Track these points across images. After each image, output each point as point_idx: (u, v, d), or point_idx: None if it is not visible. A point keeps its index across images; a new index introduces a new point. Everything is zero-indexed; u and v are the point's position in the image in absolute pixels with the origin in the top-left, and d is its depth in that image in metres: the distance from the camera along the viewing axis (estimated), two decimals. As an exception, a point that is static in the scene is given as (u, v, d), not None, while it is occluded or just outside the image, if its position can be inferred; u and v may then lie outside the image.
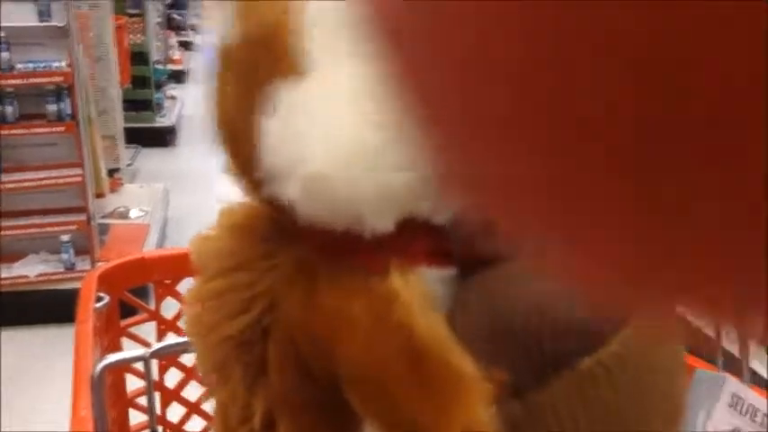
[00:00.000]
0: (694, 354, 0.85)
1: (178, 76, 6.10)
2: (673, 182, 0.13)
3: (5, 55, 2.45)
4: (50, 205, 2.64)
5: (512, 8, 0.13)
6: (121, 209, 3.27)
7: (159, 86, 5.07)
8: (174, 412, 1.05)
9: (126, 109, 3.91)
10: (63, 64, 2.51)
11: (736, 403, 0.67)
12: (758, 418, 0.67)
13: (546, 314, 0.49)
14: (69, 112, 2.55)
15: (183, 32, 7.16)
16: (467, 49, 0.15)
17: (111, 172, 3.42)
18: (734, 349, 0.79)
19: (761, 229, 0.12)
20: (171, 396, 1.04)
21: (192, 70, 6.72)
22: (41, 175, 2.57)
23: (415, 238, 0.54)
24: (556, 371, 0.50)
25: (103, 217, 3.04)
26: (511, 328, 0.50)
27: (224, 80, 0.58)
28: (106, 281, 0.94)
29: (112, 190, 3.37)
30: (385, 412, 0.52)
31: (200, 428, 1.04)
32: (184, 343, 0.64)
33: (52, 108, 2.54)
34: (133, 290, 1.01)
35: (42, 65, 2.50)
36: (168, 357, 0.97)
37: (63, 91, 2.53)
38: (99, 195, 2.94)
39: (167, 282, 1.01)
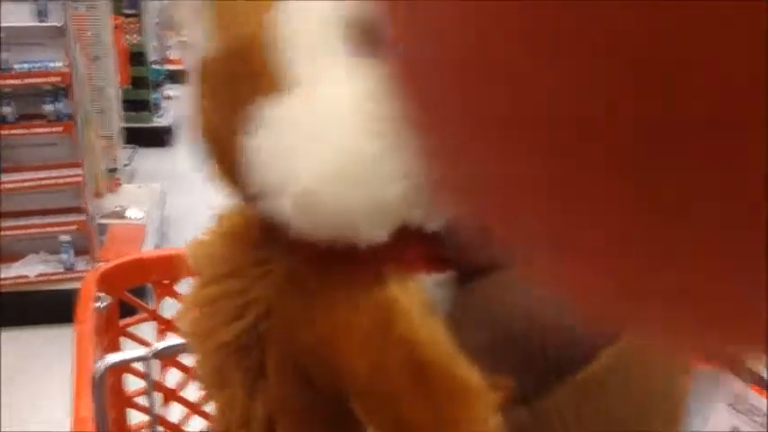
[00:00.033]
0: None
1: (176, 76, 6.09)
2: (672, 182, 0.13)
3: (3, 55, 2.45)
4: (49, 205, 2.64)
5: (511, 8, 0.13)
6: (119, 209, 3.26)
7: (157, 86, 5.06)
8: (174, 412, 1.05)
9: (124, 109, 3.91)
10: (61, 64, 2.50)
11: (735, 403, 0.67)
12: (757, 418, 0.67)
13: (548, 321, 0.49)
14: (67, 112, 2.54)
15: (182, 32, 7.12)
16: (466, 49, 0.15)
17: (110, 172, 3.42)
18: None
19: (761, 229, 0.12)
20: (170, 396, 1.04)
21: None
22: (40, 175, 2.57)
23: (409, 245, 0.53)
24: (560, 377, 0.50)
25: (102, 217, 3.04)
26: (513, 336, 0.50)
27: (203, 95, 0.57)
28: (106, 281, 0.94)
29: (110, 190, 3.37)
30: (391, 424, 0.52)
31: (199, 428, 1.04)
32: (186, 343, 0.64)
33: (50, 108, 2.53)
34: (132, 290, 1.01)
35: (40, 65, 2.50)
36: (169, 357, 0.97)
37: (61, 91, 2.52)
38: (97, 195, 2.94)
39: (166, 282, 1.01)
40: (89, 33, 3.19)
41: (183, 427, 1.05)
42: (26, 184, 2.55)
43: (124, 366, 0.92)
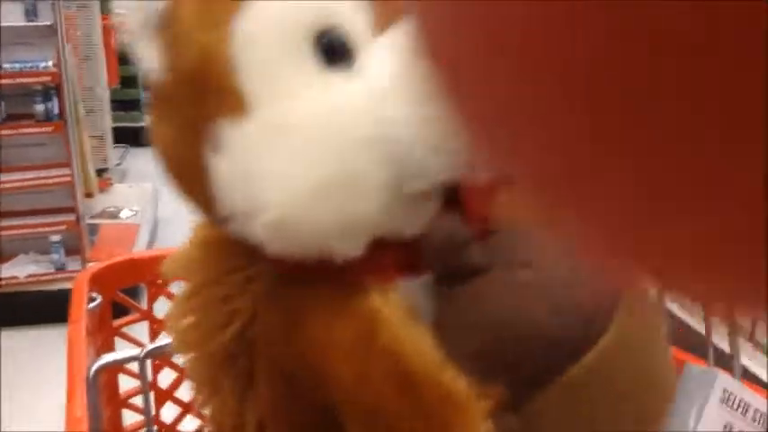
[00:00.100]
0: (684, 348, 0.85)
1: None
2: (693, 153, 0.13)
3: (-7, 55, 2.44)
4: (39, 206, 2.63)
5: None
6: (111, 209, 3.25)
7: (148, 86, 5.04)
8: (168, 412, 1.05)
9: (114, 109, 3.90)
10: (50, 64, 2.49)
11: (727, 399, 0.67)
12: (750, 414, 0.67)
13: (532, 326, 0.49)
14: (57, 111, 2.53)
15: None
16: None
17: (100, 172, 3.41)
18: (724, 345, 0.79)
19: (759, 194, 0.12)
20: (164, 396, 1.04)
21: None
22: (30, 175, 2.56)
23: (386, 254, 0.52)
24: (546, 380, 0.49)
25: (93, 217, 3.03)
26: (500, 342, 0.50)
27: (163, 120, 0.55)
28: (98, 281, 0.94)
29: (101, 190, 3.36)
30: None
31: (193, 428, 1.04)
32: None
33: (40, 108, 2.52)
34: (125, 290, 1.01)
35: (30, 65, 2.49)
36: (162, 357, 0.97)
37: (50, 91, 2.52)
38: (88, 195, 2.93)
39: (159, 282, 1.01)
40: (79, 33, 3.18)
41: (178, 428, 1.05)
42: (16, 184, 2.54)
43: (118, 367, 0.92)
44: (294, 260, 0.50)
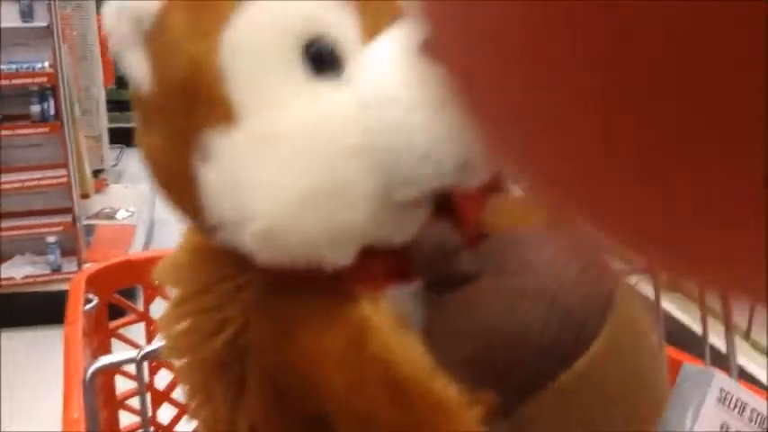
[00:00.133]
0: (681, 348, 0.85)
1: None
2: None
3: (-11, 56, 2.43)
4: (35, 207, 2.62)
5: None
6: (107, 210, 3.25)
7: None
8: (165, 414, 1.05)
9: (110, 109, 3.89)
10: (46, 64, 2.49)
11: (724, 398, 0.67)
12: (746, 414, 0.68)
13: (524, 333, 0.48)
14: (53, 112, 2.53)
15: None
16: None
17: (96, 172, 3.41)
18: (721, 344, 0.79)
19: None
20: (161, 397, 1.04)
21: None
22: (26, 176, 2.55)
23: (376, 262, 0.52)
24: (538, 387, 0.49)
25: (89, 218, 3.03)
26: (490, 349, 0.50)
27: (151, 130, 0.55)
28: (94, 283, 0.94)
29: (97, 191, 3.36)
30: None
31: (190, 430, 1.04)
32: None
33: (36, 109, 2.52)
34: (121, 291, 1.01)
35: (26, 65, 2.48)
36: (159, 359, 0.97)
37: (47, 91, 2.51)
38: (84, 196, 2.93)
39: (156, 283, 1.01)
40: (75, 33, 3.18)
41: (175, 429, 1.04)
42: (12, 185, 2.54)
43: (115, 368, 0.92)
44: (283, 269, 0.50)
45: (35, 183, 2.56)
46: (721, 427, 0.67)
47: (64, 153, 2.57)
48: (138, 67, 0.52)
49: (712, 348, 0.79)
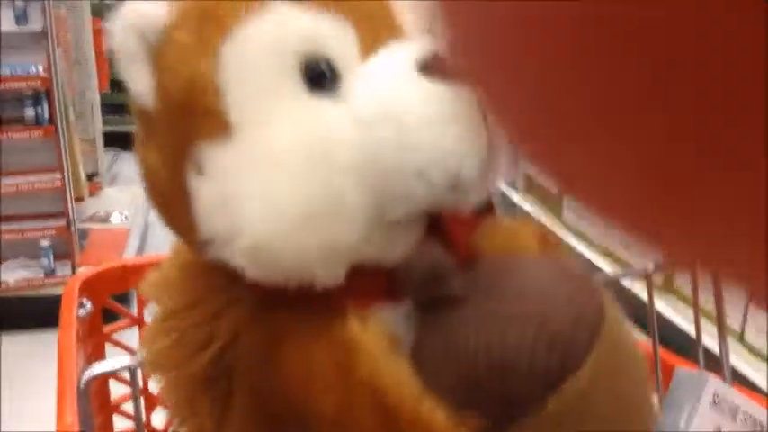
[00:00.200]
0: (675, 350, 0.85)
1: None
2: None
3: (-17, 60, 2.43)
4: (29, 210, 2.62)
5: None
6: (101, 213, 3.24)
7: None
8: (159, 418, 1.05)
9: (104, 113, 3.88)
10: (41, 68, 2.49)
11: (718, 402, 0.68)
12: (740, 417, 0.68)
13: (512, 358, 0.48)
14: (47, 116, 2.52)
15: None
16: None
17: (90, 176, 3.40)
18: (716, 347, 0.80)
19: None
20: (155, 402, 1.04)
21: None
22: (20, 180, 2.55)
23: (367, 281, 0.53)
24: (525, 412, 0.49)
25: (83, 221, 3.02)
26: (478, 373, 0.50)
27: (146, 144, 0.56)
28: (88, 288, 0.93)
29: (91, 194, 3.35)
30: None
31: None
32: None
33: (30, 112, 2.51)
34: (115, 296, 1.01)
35: (20, 69, 2.48)
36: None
37: (41, 95, 2.51)
38: (78, 199, 2.92)
39: (143, 297, 1.00)
40: (69, 37, 3.17)
41: (168, 434, 1.04)
42: (6, 189, 2.53)
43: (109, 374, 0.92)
44: (273, 286, 0.50)
45: (29, 186, 2.56)
46: (715, 429, 0.67)
47: (58, 157, 2.57)
48: (143, 81, 0.53)
49: (707, 351, 0.79)
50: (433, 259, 0.52)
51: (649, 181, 0.15)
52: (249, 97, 0.50)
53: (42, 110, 2.52)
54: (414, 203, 0.49)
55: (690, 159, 0.14)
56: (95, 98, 3.55)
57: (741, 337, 2.12)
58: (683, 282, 2.20)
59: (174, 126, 0.52)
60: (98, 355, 0.96)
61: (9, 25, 2.46)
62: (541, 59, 0.16)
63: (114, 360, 0.66)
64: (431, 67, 0.48)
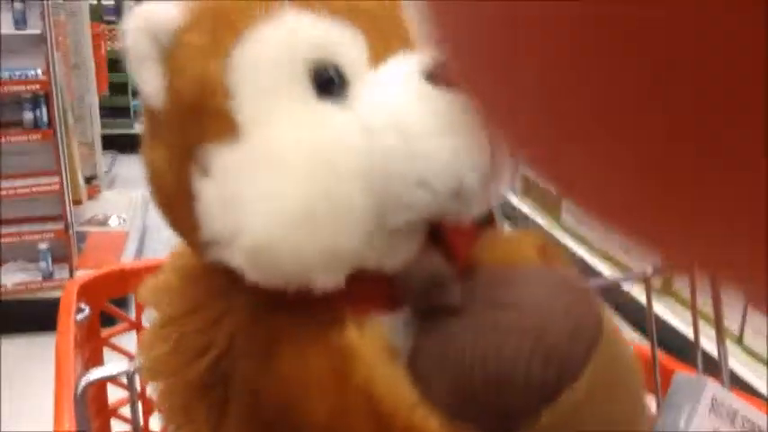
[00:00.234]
0: (674, 353, 0.85)
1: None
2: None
3: (-19, 63, 2.43)
4: (28, 213, 2.62)
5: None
6: (99, 216, 3.24)
7: (137, 93, 5.03)
8: (157, 422, 1.05)
9: (103, 116, 3.89)
10: (40, 72, 2.49)
11: (716, 407, 0.68)
12: (738, 422, 0.68)
13: (508, 369, 0.48)
14: (46, 119, 2.53)
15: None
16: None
17: (89, 179, 3.40)
18: (714, 350, 0.80)
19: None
20: (153, 406, 1.03)
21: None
22: (18, 183, 2.55)
23: (366, 287, 0.53)
24: (520, 424, 0.49)
25: (81, 224, 3.02)
26: (473, 383, 0.50)
27: (152, 143, 0.56)
28: (86, 292, 0.93)
29: (90, 197, 3.35)
30: None
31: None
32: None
33: (28, 116, 2.51)
34: (113, 300, 1.01)
35: (19, 73, 2.48)
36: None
37: (40, 98, 2.51)
38: (76, 202, 2.92)
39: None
40: (68, 41, 3.17)
41: (166, 438, 1.04)
42: (4, 192, 2.53)
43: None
44: (272, 288, 0.50)
45: (28, 190, 2.56)
46: (713, 434, 0.67)
47: (56, 160, 2.57)
48: (153, 82, 0.53)
49: (706, 355, 0.79)
50: (432, 268, 0.53)
51: (649, 182, 0.15)
52: (258, 100, 0.50)
53: (41, 113, 2.52)
54: (416, 211, 0.49)
55: (690, 159, 0.14)
56: (94, 101, 3.55)
57: (740, 340, 2.12)
58: (681, 285, 2.20)
59: (182, 127, 0.52)
60: (96, 359, 0.96)
61: (8, 29, 2.47)
62: (537, 60, 0.16)
63: (111, 366, 0.66)
64: (437, 77, 0.48)
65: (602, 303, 0.54)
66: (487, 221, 0.59)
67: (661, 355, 0.83)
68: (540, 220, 3.21)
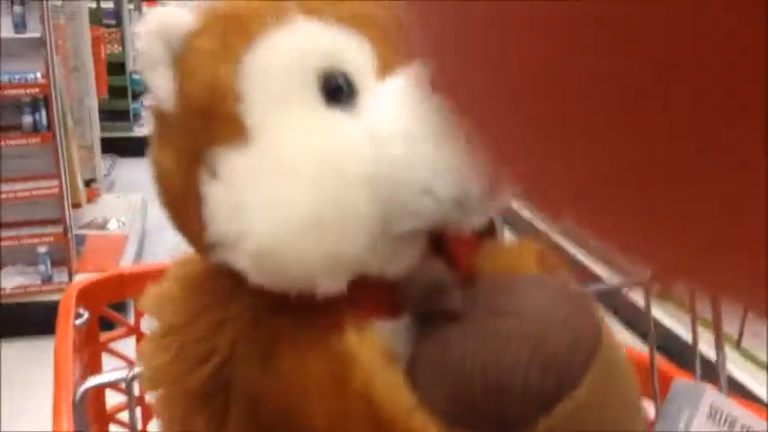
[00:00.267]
0: (673, 357, 0.85)
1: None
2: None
3: (-19, 67, 2.43)
4: (27, 217, 2.61)
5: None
6: (99, 219, 3.24)
7: (136, 97, 5.04)
8: (155, 427, 1.05)
9: (102, 119, 3.89)
10: (39, 75, 2.49)
11: (714, 414, 0.68)
12: (737, 429, 0.68)
13: (507, 376, 0.49)
14: (45, 123, 2.52)
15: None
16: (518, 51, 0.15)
17: (88, 182, 3.40)
18: (713, 355, 0.80)
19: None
20: (151, 411, 1.03)
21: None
22: (17, 186, 2.55)
23: (367, 293, 0.53)
24: (516, 431, 0.49)
25: (80, 228, 3.02)
26: (473, 390, 0.50)
27: (162, 145, 0.57)
28: (85, 297, 0.93)
29: (89, 200, 3.35)
30: None
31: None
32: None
33: (28, 119, 2.51)
34: (112, 304, 1.01)
35: (18, 76, 2.48)
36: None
37: (39, 102, 2.51)
38: (75, 206, 2.92)
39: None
40: (68, 44, 3.17)
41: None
42: (4, 195, 2.53)
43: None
44: (275, 292, 0.51)
45: (27, 193, 2.55)
46: (712, 442, 0.67)
47: (56, 163, 2.57)
48: (164, 86, 0.54)
49: (705, 360, 0.79)
50: (434, 274, 0.53)
51: (642, 192, 0.15)
52: (267, 106, 0.51)
53: (40, 116, 2.52)
54: (420, 219, 0.50)
55: (689, 162, 0.14)
56: (93, 105, 3.55)
57: (738, 345, 2.12)
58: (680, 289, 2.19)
59: (192, 130, 0.53)
60: (94, 364, 0.96)
61: (7, 32, 2.46)
62: (525, 64, 0.15)
63: (110, 373, 0.66)
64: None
65: (600, 311, 0.54)
66: (489, 232, 0.59)
67: (660, 361, 0.83)
68: (541, 224, 3.21)
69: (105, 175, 3.90)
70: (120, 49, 4.71)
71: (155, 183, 0.58)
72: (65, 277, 2.63)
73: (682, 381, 0.74)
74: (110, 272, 1.01)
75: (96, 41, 3.66)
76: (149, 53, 0.54)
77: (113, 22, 4.67)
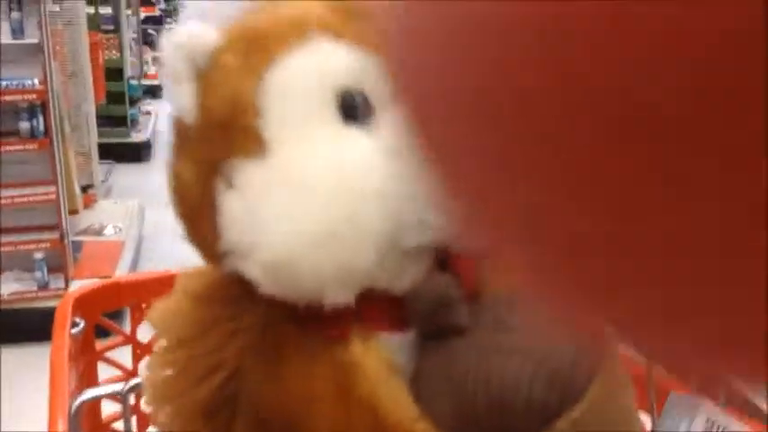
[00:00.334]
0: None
1: (153, 92, 6.07)
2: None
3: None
4: (23, 223, 2.61)
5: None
6: (95, 225, 3.23)
7: (133, 102, 5.04)
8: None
9: (101, 125, 3.88)
10: (37, 81, 2.48)
11: (711, 427, 0.68)
12: (733, 443, 0.68)
13: (510, 390, 0.49)
14: (43, 129, 2.52)
15: (158, 48, 7.07)
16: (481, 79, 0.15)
17: (85, 188, 3.39)
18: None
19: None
20: (147, 421, 1.03)
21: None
22: (14, 192, 2.54)
23: (374, 306, 0.54)
24: None
25: (77, 234, 3.01)
26: (476, 403, 0.50)
27: (180, 156, 0.58)
28: (81, 305, 0.93)
29: (86, 206, 3.34)
30: None
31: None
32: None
33: (25, 125, 2.51)
34: (108, 313, 1.00)
35: (16, 82, 2.48)
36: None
37: (36, 108, 2.50)
38: (72, 212, 2.91)
39: (143, 306, 1.00)
40: (66, 50, 3.17)
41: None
42: (1, 201, 2.52)
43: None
44: (284, 302, 0.52)
45: (24, 199, 2.55)
46: (708, 456, 0.67)
47: (53, 169, 2.57)
48: (187, 99, 0.55)
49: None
50: (440, 289, 0.54)
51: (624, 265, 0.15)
52: (286, 121, 0.52)
53: (38, 122, 2.51)
54: (429, 235, 0.51)
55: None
56: (91, 111, 3.55)
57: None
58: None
59: (212, 142, 0.55)
60: (90, 373, 0.96)
61: (5, 38, 2.46)
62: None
63: (106, 386, 0.66)
64: None
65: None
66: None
67: (657, 373, 0.83)
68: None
69: (102, 181, 3.90)
70: (118, 54, 4.71)
71: (171, 194, 0.59)
72: (61, 283, 2.62)
73: (678, 393, 0.74)
74: (106, 280, 1.01)
75: (94, 47, 3.66)
76: (174, 68, 0.56)
77: (111, 27, 4.67)
